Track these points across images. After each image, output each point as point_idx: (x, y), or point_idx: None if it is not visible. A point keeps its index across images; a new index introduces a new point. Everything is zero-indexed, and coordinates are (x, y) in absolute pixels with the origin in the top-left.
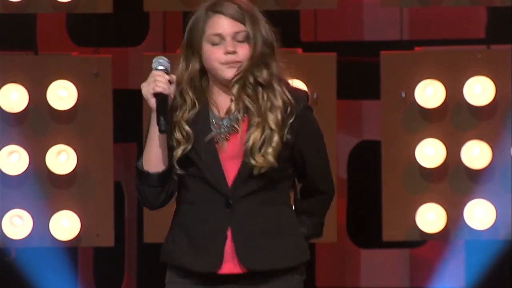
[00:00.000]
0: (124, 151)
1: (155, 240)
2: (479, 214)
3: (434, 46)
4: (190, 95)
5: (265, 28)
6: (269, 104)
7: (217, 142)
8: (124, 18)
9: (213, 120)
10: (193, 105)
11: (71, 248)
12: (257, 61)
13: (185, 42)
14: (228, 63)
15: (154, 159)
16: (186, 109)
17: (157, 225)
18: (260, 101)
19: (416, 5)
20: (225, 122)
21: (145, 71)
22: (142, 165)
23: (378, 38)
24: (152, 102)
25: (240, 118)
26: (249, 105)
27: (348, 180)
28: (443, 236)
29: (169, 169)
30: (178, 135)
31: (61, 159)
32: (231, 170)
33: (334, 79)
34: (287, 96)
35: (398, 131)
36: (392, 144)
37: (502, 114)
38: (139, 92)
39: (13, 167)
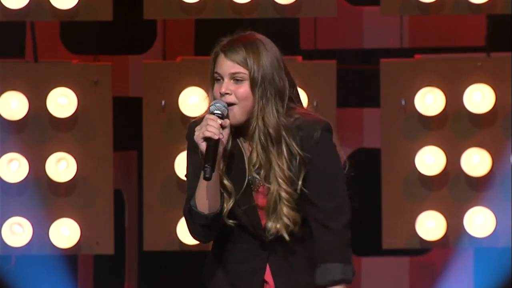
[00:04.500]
0: (124, 159)
1: (154, 248)
2: (479, 221)
3: (434, 54)
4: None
5: (273, 69)
6: (279, 164)
7: (252, 189)
8: (125, 26)
9: (246, 166)
10: (225, 150)
11: (71, 256)
12: (264, 106)
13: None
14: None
15: (210, 201)
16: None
17: (157, 233)
18: (271, 161)
19: (416, 13)
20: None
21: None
22: (196, 205)
23: (378, 46)
24: (203, 146)
25: (260, 172)
26: (263, 171)
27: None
28: (443, 244)
29: (222, 210)
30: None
31: (61, 166)
32: (261, 218)
33: (334, 87)
34: (296, 149)
35: (398, 139)
36: (392, 152)
37: (502, 122)
38: (139, 100)
39: (13, 175)
